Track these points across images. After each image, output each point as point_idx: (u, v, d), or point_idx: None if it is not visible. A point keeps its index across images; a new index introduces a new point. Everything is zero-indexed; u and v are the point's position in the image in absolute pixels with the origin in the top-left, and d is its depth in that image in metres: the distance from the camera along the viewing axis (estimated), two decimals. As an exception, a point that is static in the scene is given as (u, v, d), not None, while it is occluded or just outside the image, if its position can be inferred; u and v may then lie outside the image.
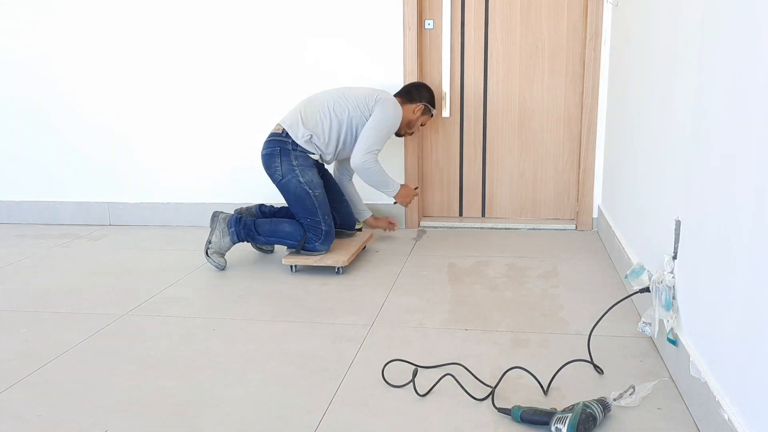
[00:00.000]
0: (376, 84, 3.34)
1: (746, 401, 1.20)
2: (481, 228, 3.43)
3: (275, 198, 3.57)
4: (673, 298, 1.67)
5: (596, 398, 1.50)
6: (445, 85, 3.36)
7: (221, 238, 2.71)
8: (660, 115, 1.96)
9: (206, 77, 3.48)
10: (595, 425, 1.44)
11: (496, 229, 3.42)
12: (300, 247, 2.64)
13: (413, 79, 3.30)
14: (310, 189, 2.63)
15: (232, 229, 2.70)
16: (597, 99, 3.20)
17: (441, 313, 2.21)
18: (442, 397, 1.63)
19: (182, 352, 1.94)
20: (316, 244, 2.65)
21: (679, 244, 1.66)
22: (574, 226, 3.38)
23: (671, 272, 1.69)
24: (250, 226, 2.71)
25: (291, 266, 2.68)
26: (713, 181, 1.41)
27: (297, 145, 2.66)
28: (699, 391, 1.44)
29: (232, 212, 2.85)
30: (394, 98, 2.83)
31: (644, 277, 1.82)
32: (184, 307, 2.33)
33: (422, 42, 3.36)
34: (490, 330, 2.06)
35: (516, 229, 3.40)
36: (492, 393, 1.60)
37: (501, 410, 1.53)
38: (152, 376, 1.78)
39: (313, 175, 2.67)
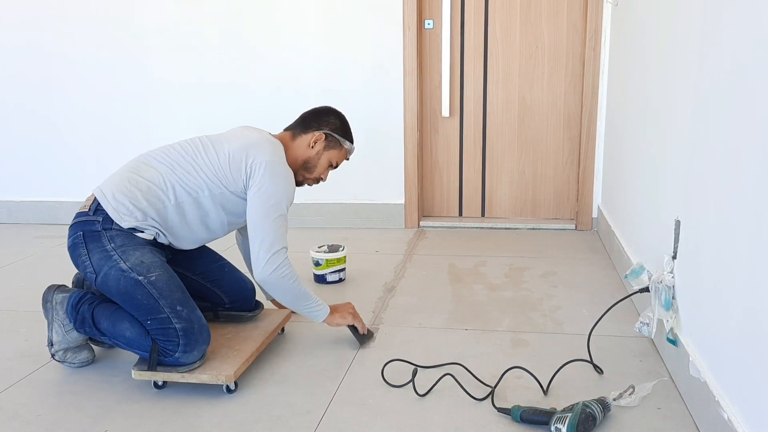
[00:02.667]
0: (378, 81, 3.34)
1: (746, 401, 1.20)
2: (481, 228, 3.44)
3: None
4: (673, 298, 1.67)
5: (596, 398, 1.50)
6: (445, 85, 3.36)
7: (64, 334, 1.83)
8: (660, 114, 1.96)
9: (205, 77, 3.48)
10: (594, 425, 1.44)
11: (495, 229, 3.42)
12: (153, 363, 1.69)
13: (413, 79, 3.30)
14: (140, 275, 1.69)
15: (70, 318, 1.82)
16: (597, 99, 3.20)
17: (441, 313, 2.21)
18: (442, 397, 1.63)
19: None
20: (176, 353, 1.66)
21: (679, 244, 1.66)
22: (573, 226, 3.38)
23: (671, 272, 1.69)
24: (89, 320, 1.79)
25: (153, 382, 1.72)
26: (713, 181, 1.41)
27: (112, 222, 1.74)
28: (699, 391, 1.44)
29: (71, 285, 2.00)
30: (273, 151, 1.85)
31: (644, 277, 1.82)
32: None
33: (422, 42, 3.36)
34: (490, 330, 2.06)
35: (516, 229, 3.40)
36: (492, 393, 1.60)
37: (501, 410, 1.53)
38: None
39: (142, 254, 1.72)
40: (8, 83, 3.68)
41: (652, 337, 1.78)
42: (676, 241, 1.67)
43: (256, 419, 1.55)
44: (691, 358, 1.50)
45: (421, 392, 1.64)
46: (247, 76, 3.43)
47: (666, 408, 1.54)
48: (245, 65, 3.43)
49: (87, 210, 1.78)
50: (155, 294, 1.68)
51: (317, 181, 2.04)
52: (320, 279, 2.55)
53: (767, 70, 1.13)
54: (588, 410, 1.44)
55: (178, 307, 1.69)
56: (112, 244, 1.72)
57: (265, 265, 1.76)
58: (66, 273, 2.77)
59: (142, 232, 1.76)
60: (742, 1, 1.26)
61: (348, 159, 2.08)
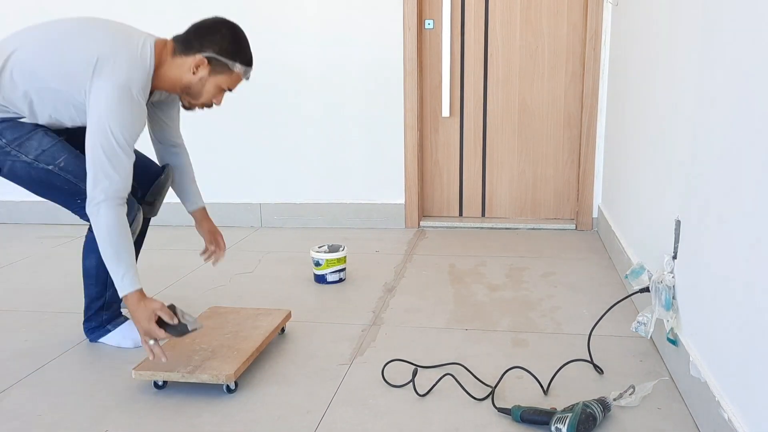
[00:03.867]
0: (378, 81, 3.34)
1: (746, 401, 1.20)
2: (481, 228, 3.44)
3: (273, 197, 3.56)
4: (673, 298, 1.67)
5: (596, 398, 1.50)
6: (445, 86, 3.36)
7: None
8: (660, 114, 1.96)
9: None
10: (595, 425, 1.44)
11: (496, 229, 3.42)
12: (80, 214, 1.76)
13: (413, 79, 3.30)
14: (48, 165, 1.71)
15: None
16: (597, 99, 3.20)
17: (441, 313, 2.21)
18: (442, 397, 1.63)
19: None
20: (90, 207, 1.64)
21: (679, 244, 1.66)
22: (574, 226, 3.38)
23: (671, 272, 1.69)
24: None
25: (153, 382, 1.71)
26: (713, 181, 1.41)
27: None
28: (699, 391, 1.44)
29: None
30: (127, 67, 1.64)
31: (644, 277, 1.82)
32: (184, 306, 2.32)
33: (422, 42, 3.36)
34: (490, 330, 2.06)
35: (516, 229, 3.40)
36: (492, 393, 1.60)
37: (501, 410, 1.53)
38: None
39: (39, 142, 1.71)
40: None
41: (649, 337, 1.78)
42: (676, 241, 1.67)
43: (256, 419, 1.55)
44: (691, 358, 1.50)
45: (421, 392, 1.64)
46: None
47: (666, 408, 1.54)
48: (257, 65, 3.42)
49: None
50: (72, 178, 1.72)
51: (208, 105, 1.80)
52: (320, 279, 2.54)
53: (767, 69, 1.13)
54: (588, 410, 1.44)
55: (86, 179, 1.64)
56: (4, 140, 1.69)
57: (89, 202, 1.62)
58: (66, 273, 2.78)
59: (22, 117, 1.69)
60: (743, 2, 1.26)
61: (247, 79, 1.81)
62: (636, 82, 2.40)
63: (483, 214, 3.55)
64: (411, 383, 1.67)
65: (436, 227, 3.47)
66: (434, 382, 1.67)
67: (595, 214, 3.34)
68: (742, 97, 1.24)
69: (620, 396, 1.54)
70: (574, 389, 1.65)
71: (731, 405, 1.27)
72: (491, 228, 3.43)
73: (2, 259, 3.04)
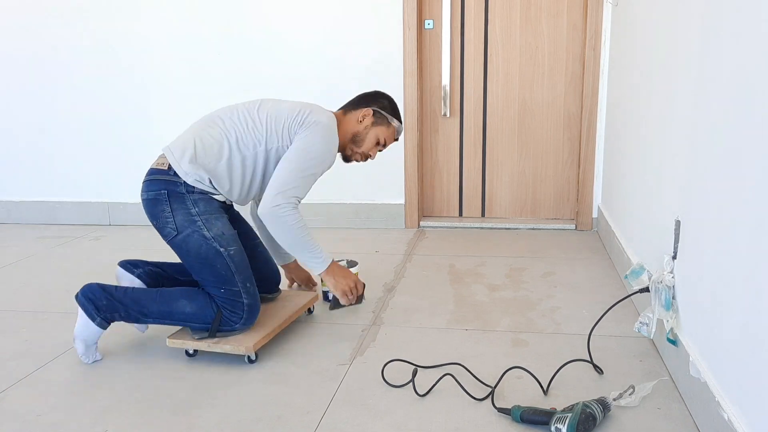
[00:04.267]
0: (378, 81, 3.34)
1: (746, 401, 1.20)
2: (481, 228, 3.44)
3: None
4: (673, 298, 1.67)
5: (596, 398, 1.50)
6: (445, 86, 3.36)
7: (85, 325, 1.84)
8: (660, 114, 1.96)
9: (205, 80, 3.48)
10: (594, 425, 1.44)
11: (495, 229, 3.42)
12: (214, 330, 1.84)
13: (413, 79, 3.30)
14: (221, 246, 1.82)
15: (90, 306, 1.83)
16: (597, 99, 3.21)
17: (441, 313, 2.21)
18: (442, 397, 1.63)
19: (182, 352, 1.93)
20: (236, 324, 1.84)
21: (679, 244, 1.66)
22: (573, 226, 3.38)
23: (671, 272, 1.69)
24: (126, 302, 1.85)
25: (186, 350, 1.90)
26: (713, 181, 1.41)
27: (188, 185, 1.84)
28: (699, 391, 1.44)
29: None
30: (330, 117, 1.97)
31: (644, 277, 1.82)
32: (184, 307, 2.33)
33: (422, 42, 3.36)
34: (489, 330, 2.06)
35: (516, 229, 3.40)
36: (492, 393, 1.60)
37: (501, 410, 1.53)
38: (152, 377, 1.78)
39: (223, 226, 1.86)
40: (8, 84, 3.68)
41: (651, 337, 1.78)
42: (676, 241, 1.67)
43: (256, 419, 1.55)
44: (691, 358, 1.50)
45: (421, 392, 1.64)
46: (247, 76, 3.43)
47: (666, 408, 1.54)
48: (245, 65, 3.43)
49: (166, 169, 1.86)
50: (233, 267, 1.84)
51: (365, 157, 2.10)
52: (324, 296, 2.34)
53: (766, 69, 1.13)
54: (588, 410, 1.44)
55: (248, 284, 1.86)
56: (196, 209, 1.84)
57: (271, 199, 1.83)
58: (66, 273, 2.78)
59: (216, 194, 1.90)
60: (743, 2, 1.26)
61: (397, 139, 2.15)
62: (636, 82, 2.40)
63: (483, 214, 3.55)
64: (411, 383, 1.67)
65: (436, 227, 3.47)
66: (434, 382, 1.67)
67: (595, 214, 3.34)
68: (742, 97, 1.24)
69: (620, 396, 1.54)
70: (574, 389, 1.65)
71: (731, 405, 1.27)
72: (491, 228, 3.43)
73: (2, 259, 3.04)
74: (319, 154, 1.89)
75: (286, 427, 1.51)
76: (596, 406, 1.46)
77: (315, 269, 1.94)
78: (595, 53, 3.16)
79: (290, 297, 2.14)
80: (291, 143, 1.90)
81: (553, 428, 1.43)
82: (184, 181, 1.83)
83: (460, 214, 3.57)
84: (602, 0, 3.10)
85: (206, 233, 1.82)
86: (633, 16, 2.49)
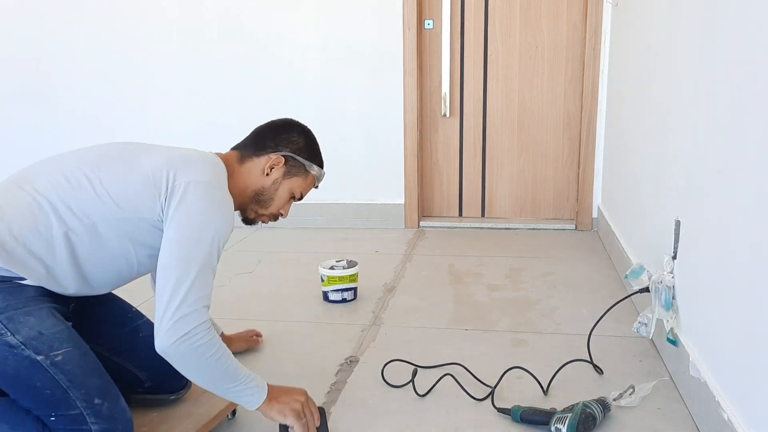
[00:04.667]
0: (378, 81, 3.34)
1: (746, 401, 1.20)
2: (481, 228, 3.43)
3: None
4: (673, 298, 1.67)
5: (596, 398, 1.50)
6: (445, 85, 3.36)
7: None
8: (660, 114, 1.96)
9: (205, 78, 3.48)
10: (594, 425, 1.44)
11: (495, 229, 3.42)
12: None
13: (413, 79, 3.29)
14: (38, 353, 1.19)
15: None
16: (597, 99, 3.20)
17: (441, 313, 2.20)
18: (441, 397, 1.63)
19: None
20: None
21: (679, 244, 1.66)
22: (573, 226, 3.38)
23: (671, 272, 1.69)
24: None
25: None
26: (713, 181, 1.40)
27: None
28: (699, 391, 1.44)
29: None
30: (209, 171, 1.35)
31: (644, 277, 1.82)
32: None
33: (422, 42, 3.36)
34: (489, 330, 2.06)
35: (516, 229, 3.40)
36: (492, 393, 1.60)
37: (501, 410, 1.53)
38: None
39: (39, 322, 1.22)
40: (7, 82, 3.68)
41: (650, 337, 1.78)
42: (676, 241, 1.67)
43: (256, 419, 1.54)
44: (691, 359, 1.50)
45: (421, 392, 1.64)
46: (246, 76, 3.43)
47: (666, 408, 1.54)
48: (244, 64, 3.42)
49: None
50: (63, 381, 1.20)
51: (275, 217, 1.56)
52: (324, 296, 2.34)
53: (766, 69, 1.13)
54: (588, 410, 1.44)
55: (96, 400, 1.22)
56: None
57: (170, 329, 1.19)
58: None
59: (24, 279, 1.22)
60: (743, 3, 1.26)
61: (317, 187, 1.61)
62: (636, 82, 2.40)
63: (483, 214, 3.55)
64: (411, 383, 1.67)
65: (436, 227, 3.46)
66: (434, 382, 1.67)
67: (594, 214, 3.34)
68: (742, 97, 1.24)
69: (620, 396, 1.53)
70: (574, 389, 1.65)
71: (731, 405, 1.27)
72: (491, 228, 3.43)
73: (2, 259, 3.03)
74: (206, 232, 1.27)
75: (286, 427, 1.51)
76: (596, 406, 1.46)
77: (250, 404, 1.32)
78: (595, 53, 3.16)
79: (202, 398, 1.48)
80: (160, 217, 1.30)
81: (553, 428, 1.43)
82: None
83: (460, 214, 3.56)
84: (602, 0, 3.10)
85: (10, 338, 1.17)
86: (633, 16, 2.49)
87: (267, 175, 1.49)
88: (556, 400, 1.59)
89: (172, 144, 1.50)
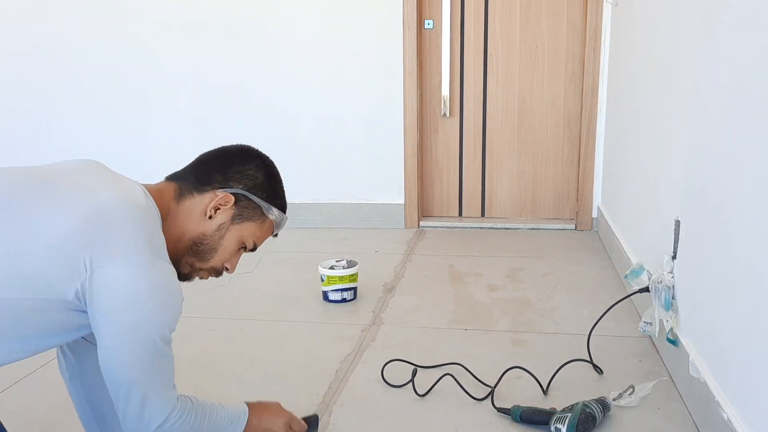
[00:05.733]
0: (378, 81, 3.34)
1: (746, 401, 1.20)
2: (481, 228, 3.43)
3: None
4: (673, 298, 1.67)
5: (596, 398, 1.50)
6: (444, 86, 3.36)
7: None
8: (660, 114, 1.96)
9: (206, 78, 3.47)
10: (594, 425, 1.44)
11: (495, 229, 3.42)
12: None
13: (413, 79, 3.29)
14: None
15: None
16: (597, 99, 3.20)
17: (441, 313, 2.21)
18: (441, 397, 1.63)
19: (182, 352, 1.93)
20: None
21: (679, 244, 1.66)
22: (573, 226, 3.38)
23: (671, 272, 1.69)
24: None
25: None
26: (713, 181, 1.41)
27: None
28: (699, 391, 1.44)
29: None
30: (139, 237, 1.04)
31: (644, 277, 1.82)
32: (184, 306, 2.32)
33: (422, 42, 3.36)
34: (489, 330, 2.06)
35: (515, 229, 3.40)
36: (492, 393, 1.60)
37: (501, 410, 1.53)
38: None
39: None
40: (7, 84, 3.68)
41: (656, 336, 1.78)
42: (676, 241, 1.67)
43: (256, 419, 1.54)
44: (691, 358, 1.50)
45: (421, 392, 1.64)
46: (246, 74, 3.43)
47: (666, 408, 1.54)
48: (244, 63, 3.42)
49: None
50: None
51: (217, 273, 1.26)
52: (324, 296, 2.34)
53: (766, 70, 1.13)
54: (588, 410, 1.44)
55: None
56: None
57: (138, 422, 1.05)
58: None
59: None
60: (743, 3, 1.26)
61: (275, 235, 1.28)
62: (635, 82, 2.40)
63: (483, 214, 3.54)
64: (411, 383, 1.67)
65: (436, 227, 3.46)
66: (434, 382, 1.67)
67: (594, 214, 3.34)
68: (742, 97, 1.24)
69: (620, 396, 1.53)
70: (574, 389, 1.65)
71: (731, 405, 1.27)
72: (491, 228, 3.43)
73: (2, 259, 3.03)
74: (151, 324, 1.05)
75: (286, 427, 1.51)
76: (596, 406, 1.46)
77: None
78: (594, 53, 3.16)
79: None
80: (75, 298, 1.00)
81: (552, 428, 1.43)
82: None
83: (460, 214, 3.56)
84: (602, 0, 3.10)
85: None
86: (633, 16, 2.49)
87: (210, 218, 1.16)
88: (556, 400, 1.59)
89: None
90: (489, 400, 1.59)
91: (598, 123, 3.23)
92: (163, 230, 1.12)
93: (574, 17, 3.24)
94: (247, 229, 1.20)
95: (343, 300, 2.31)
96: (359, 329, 2.08)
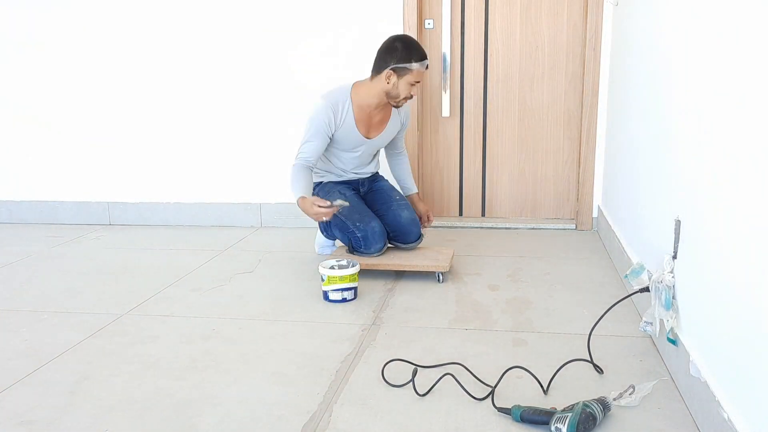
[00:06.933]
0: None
1: (746, 401, 1.20)
2: (481, 228, 3.44)
3: (273, 197, 3.57)
4: (673, 297, 1.67)
5: (596, 398, 1.50)
6: (445, 86, 3.36)
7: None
8: (660, 114, 1.96)
9: (205, 77, 3.48)
10: (594, 425, 1.44)
11: (495, 228, 3.42)
12: (349, 250, 2.66)
13: (413, 79, 3.30)
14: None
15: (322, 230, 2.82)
16: (597, 98, 3.21)
17: (441, 313, 2.21)
18: (442, 396, 1.63)
19: (182, 352, 1.93)
20: (361, 249, 2.59)
21: (679, 244, 1.66)
22: (574, 226, 3.38)
23: (671, 272, 1.69)
24: (328, 230, 2.78)
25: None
26: (713, 181, 1.41)
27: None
28: (699, 390, 1.44)
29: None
30: (326, 94, 2.59)
31: (644, 276, 1.82)
32: (184, 306, 2.33)
33: (422, 42, 3.36)
34: (489, 330, 2.06)
35: (516, 228, 3.40)
36: (492, 393, 1.60)
37: (501, 410, 1.53)
38: (152, 376, 1.78)
39: (336, 195, 2.61)
40: (7, 82, 3.68)
41: (657, 336, 1.78)
42: (676, 241, 1.67)
43: (256, 419, 1.55)
44: (691, 358, 1.50)
45: (421, 392, 1.64)
46: (246, 73, 3.43)
47: (666, 408, 1.54)
48: (244, 62, 3.43)
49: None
50: (342, 218, 2.59)
51: (406, 99, 2.57)
52: (324, 296, 2.35)
53: (766, 70, 1.13)
54: (588, 410, 1.44)
55: (357, 223, 2.58)
56: (323, 190, 2.71)
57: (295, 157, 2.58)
58: (66, 272, 2.78)
59: (323, 178, 2.77)
60: (742, 4, 1.26)
61: (426, 69, 2.52)
62: (636, 82, 2.40)
63: (483, 214, 3.55)
64: (411, 383, 1.67)
65: (436, 227, 3.46)
66: (434, 382, 1.67)
67: (594, 214, 3.34)
68: (743, 97, 1.24)
69: (620, 396, 1.54)
70: (574, 389, 1.65)
71: (731, 405, 1.27)
72: (491, 228, 3.43)
73: (2, 259, 3.04)
74: (308, 122, 2.57)
75: (286, 427, 1.51)
76: (596, 406, 1.46)
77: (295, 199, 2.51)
78: (595, 53, 3.16)
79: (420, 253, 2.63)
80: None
81: (553, 428, 1.43)
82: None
83: (461, 214, 3.56)
84: (602, 0, 3.10)
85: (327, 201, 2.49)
86: (633, 15, 2.49)
87: (387, 82, 2.51)
88: (556, 400, 1.59)
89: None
90: (489, 400, 1.59)
91: (598, 123, 3.24)
92: (365, 94, 2.59)
93: (574, 17, 3.24)
94: (407, 78, 2.49)
95: (344, 300, 2.32)
96: (360, 329, 2.08)
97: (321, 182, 2.73)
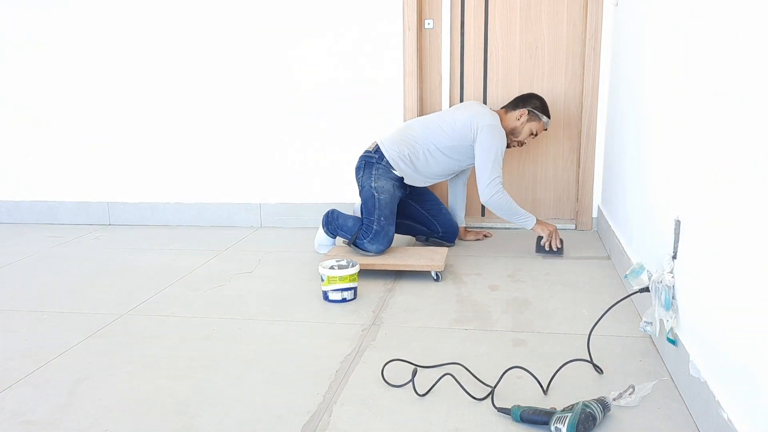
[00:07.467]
0: (378, 81, 3.34)
1: (746, 401, 1.20)
2: (481, 228, 3.43)
3: (273, 197, 3.57)
4: (673, 297, 1.67)
5: (596, 398, 1.50)
6: (445, 85, 3.36)
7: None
8: (660, 114, 1.96)
9: (205, 77, 3.48)
10: (594, 425, 1.44)
11: (495, 228, 3.42)
12: (351, 241, 2.72)
13: (413, 79, 3.30)
14: (376, 192, 2.73)
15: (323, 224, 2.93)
16: (597, 98, 3.20)
17: (441, 313, 2.21)
18: (441, 396, 1.63)
19: (182, 352, 1.93)
20: (364, 241, 2.67)
21: (679, 244, 1.66)
22: (573, 226, 3.38)
23: (671, 272, 1.69)
24: (331, 216, 2.90)
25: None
26: (713, 181, 1.41)
27: (383, 159, 2.77)
28: (699, 390, 1.44)
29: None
30: (492, 118, 2.78)
31: (644, 276, 1.82)
32: (184, 306, 2.33)
33: (422, 42, 3.36)
34: (489, 330, 2.06)
35: (516, 229, 3.40)
36: (492, 393, 1.60)
37: (501, 410, 1.53)
38: (152, 376, 1.78)
39: (385, 183, 2.75)
40: (6, 82, 3.68)
41: (657, 336, 1.78)
42: (676, 241, 1.67)
43: (256, 419, 1.55)
44: (691, 358, 1.50)
45: (421, 392, 1.64)
46: (246, 73, 3.43)
47: (666, 408, 1.54)
48: (244, 62, 3.43)
49: (371, 150, 2.83)
50: (377, 205, 2.73)
51: (521, 144, 2.93)
52: (324, 296, 2.35)
53: (765, 70, 1.13)
54: (588, 410, 1.44)
55: (381, 219, 2.70)
56: (376, 172, 2.79)
57: (485, 190, 2.76)
58: (66, 272, 2.78)
59: (395, 169, 2.79)
60: (743, 4, 1.26)
61: (546, 129, 2.94)
62: (635, 82, 2.40)
63: (483, 214, 3.55)
64: (411, 383, 1.67)
65: (436, 227, 3.46)
66: (434, 382, 1.67)
67: (594, 214, 3.34)
68: (743, 97, 1.24)
69: (620, 396, 1.54)
70: (574, 389, 1.65)
71: (731, 405, 1.27)
72: (491, 228, 3.43)
73: (2, 259, 3.04)
74: (495, 144, 2.76)
75: (286, 427, 1.51)
76: (596, 406, 1.46)
77: (527, 227, 2.83)
78: (595, 53, 3.16)
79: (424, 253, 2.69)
80: (470, 144, 2.80)
81: (553, 428, 1.43)
82: (380, 156, 2.79)
83: (460, 214, 3.56)
84: (602, 0, 3.10)
85: (373, 184, 2.76)
86: (633, 15, 2.49)
87: (518, 120, 2.87)
88: (556, 400, 1.59)
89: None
90: (489, 400, 1.59)
91: (598, 123, 3.24)
92: (501, 123, 2.85)
93: (574, 17, 3.24)
94: (533, 125, 2.89)
95: (344, 300, 2.32)
96: (359, 329, 2.08)
97: (378, 164, 2.78)
